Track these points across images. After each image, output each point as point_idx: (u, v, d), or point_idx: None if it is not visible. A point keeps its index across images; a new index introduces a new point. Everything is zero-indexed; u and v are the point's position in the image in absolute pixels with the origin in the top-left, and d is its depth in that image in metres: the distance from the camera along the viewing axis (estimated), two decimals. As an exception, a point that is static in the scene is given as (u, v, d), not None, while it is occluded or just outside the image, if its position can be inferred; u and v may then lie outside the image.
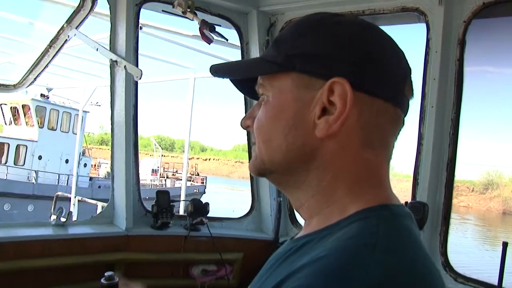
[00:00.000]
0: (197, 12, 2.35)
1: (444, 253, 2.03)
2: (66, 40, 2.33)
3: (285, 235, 2.63)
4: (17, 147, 16.49)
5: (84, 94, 11.61)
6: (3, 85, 2.53)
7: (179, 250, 2.35)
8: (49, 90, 16.24)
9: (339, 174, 0.63)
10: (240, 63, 0.84)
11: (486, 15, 1.98)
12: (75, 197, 9.10)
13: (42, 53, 2.37)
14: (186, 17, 2.31)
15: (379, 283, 0.48)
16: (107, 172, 21.45)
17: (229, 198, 28.01)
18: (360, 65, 0.62)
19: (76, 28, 2.30)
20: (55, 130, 17.43)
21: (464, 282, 1.96)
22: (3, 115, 17.71)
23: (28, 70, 2.42)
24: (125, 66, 2.25)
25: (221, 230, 2.55)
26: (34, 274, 2.02)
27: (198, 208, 2.41)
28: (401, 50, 0.67)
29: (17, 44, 7.57)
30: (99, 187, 17.41)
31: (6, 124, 17.85)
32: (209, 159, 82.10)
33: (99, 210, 6.69)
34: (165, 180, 23.62)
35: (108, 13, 2.32)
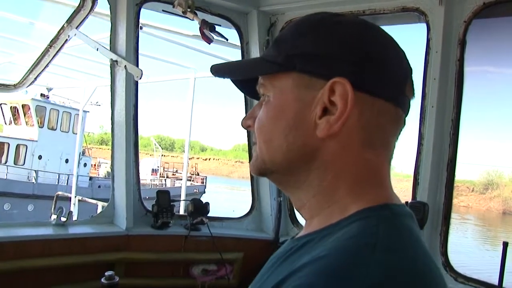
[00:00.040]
0: (197, 12, 2.35)
1: (445, 253, 2.04)
2: (67, 40, 2.33)
3: (286, 235, 2.63)
4: (17, 146, 16.49)
5: (85, 94, 11.62)
6: (3, 84, 2.53)
7: (180, 249, 2.35)
8: (49, 90, 16.24)
9: (340, 174, 0.63)
10: (240, 63, 0.84)
11: (486, 15, 1.98)
12: (75, 196, 9.10)
13: (42, 53, 2.38)
14: (186, 17, 2.31)
15: (379, 282, 0.48)
16: (107, 171, 21.45)
17: (229, 198, 28.02)
18: (361, 65, 0.61)
19: (76, 28, 2.30)
20: (55, 130, 17.43)
21: (465, 282, 1.96)
22: (3, 115, 17.71)
23: (29, 70, 2.42)
24: (125, 66, 2.25)
25: (222, 230, 2.55)
26: (35, 274, 2.02)
27: (199, 208, 2.41)
28: (402, 50, 0.67)
29: (17, 44, 7.57)
30: (99, 186, 17.41)
31: (6, 123, 17.85)
32: (209, 159, 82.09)
33: (99, 209, 6.69)
34: (165, 179, 23.63)
35: (109, 13, 2.32)
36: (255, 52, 2.57)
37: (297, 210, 0.72)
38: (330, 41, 0.63)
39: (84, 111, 12.90)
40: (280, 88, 0.66)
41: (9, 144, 16.32)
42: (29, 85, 2.48)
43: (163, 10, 2.43)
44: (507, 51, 2.55)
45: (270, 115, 0.67)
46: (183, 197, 7.49)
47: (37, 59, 2.39)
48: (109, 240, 2.24)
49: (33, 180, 16.00)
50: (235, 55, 3.06)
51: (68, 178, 16.61)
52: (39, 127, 16.79)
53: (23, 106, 16.73)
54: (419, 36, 2.18)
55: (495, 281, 1.86)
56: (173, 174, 26.37)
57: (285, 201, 2.68)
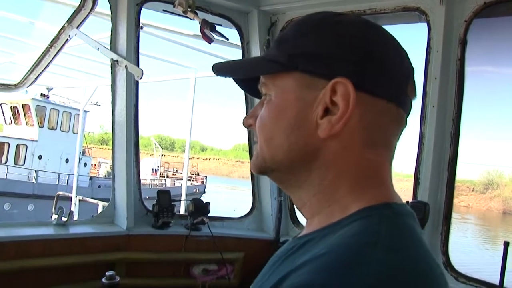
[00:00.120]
0: (197, 11, 2.35)
1: (445, 253, 2.04)
2: (67, 39, 2.33)
3: (286, 235, 2.63)
4: (17, 146, 16.50)
5: (85, 93, 11.62)
6: (4, 84, 2.54)
7: (180, 249, 2.35)
8: (49, 89, 16.25)
9: (341, 173, 0.63)
10: (242, 62, 0.84)
11: (487, 14, 1.98)
12: (76, 196, 9.11)
13: (43, 52, 2.38)
14: (187, 17, 2.31)
15: (380, 281, 0.48)
16: (107, 171, 21.46)
17: (229, 197, 28.02)
18: (362, 65, 0.61)
19: (77, 27, 2.30)
20: (55, 129, 17.44)
21: (466, 282, 1.96)
22: (3, 115, 17.71)
23: (29, 70, 2.43)
24: (126, 65, 2.25)
25: (222, 230, 2.55)
26: (35, 273, 2.02)
27: (199, 208, 2.41)
28: (404, 50, 0.67)
29: (18, 43, 7.57)
30: (99, 186, 17.42)
31: (6, 123, 17.86)
32: (209, 159, 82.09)
33: (100, 209, 6.70)
34: (165, 179, 23.64)
35: (109, 12, 2.32)
36: (255, 52, 2.57)
37: (298, 209, 0.72)
38: (332, 41, 0.63)
39: (84, 111, 12.89)
40: (282, 87, 0.66)
41: (9, 144, 16.33)
42: (29, 85, 2.48)
43: (163, 10, 2.43)
44: (508, 50, 2.54)
45: (272, 115, 0.67)
46: (183, 197, 7.50)
47: (37, 59, 2.39)
48: (110, 240, 2.24)
49: (33, 180, 16.01)
50: (236, 55, 3.06)
51: (68, 178, 16.62)
52: (39, 127, 16.80)
53: (23, 106, 16.74)
54: (420, 35, 2.18)
55: (495, 280, 1.86)
56: (173, 174, 26.37)
57: (286, 200, 2.68)
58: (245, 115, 0.74)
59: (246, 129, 0.78)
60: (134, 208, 2.36)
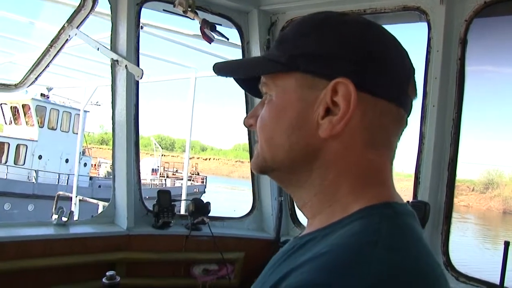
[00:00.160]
0: (198, 11, 2.35)
1: (446, 252, 2.03)
2: (67, 39, 2.33)
3: (286, 235, 2.63)
4: (17, 146, 16.50)
5: (85, 93, 11.62)
6: (4, 84, 2.54)
7: (180, 249, 2.35)
8: (49, 89, 16.25)
9: (341, 173, 0.63)
10: (243, 62, 0.84)
11: (487, 14, 1.98)
12: (76, 196, 9.11)
13: (43, 52, 2.38)
14: (187, 17, 2.30)
15: (381, 281, 0.48)
16: (107, 171, 21.46)
17: (229, 197, 28.02)
18: (363, 65, 0.61)
19: (77, 27, 2.30)
20: (55, 129, 17.44)
21: (466, 282, 1.96)
22: (3, 115, 17.71)
23: (29, 70, 2.42)
24: (126, 65, 2.25)
25: (223, 230, 2.55)
26: (35, 274, 2.02)
27: (200, 208, 2.41)
28: (405, 50, 0.67)
29: (18, 43, 7.57)
30: (99, 186, 17.42)
31: (6, 123, 17.86)
32: (209, 159, 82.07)
33: (100, 209, 6.70)
34: (165, 179, 23.63)
35: (109, 12, 2.32)
36: (255, 52, 2.57)
37: (299, 209, 0.72)
38: (333, 41, 0.63)
39: (84, 111, 12.89)
40: (283, 87, 0.66)
41: (9, 144, 16.33)
42: (30, 85, 2.48)
43: (163, 10, 2.43)
44: (508, 50, 2.54)
45: (273, 115, 0.67)
46: (184, 196, 7.50)
47: (37, 59, 2.39)
48: (110, 240, 2.23)
49: (33, 180, 16.01)
50: (236, 55, 3.06)
51: (68, 178, 16.62)
52: (39, 127, 16.80)
53: (23, 106, 16.74)
54: (420, 35, 2.18)
55: (495, 279, 1.86)
56: (173, 174, 26.37)
57: (286, 200, 2.68)
58: (246, 115, 0.74)
59: (246, 129, 0.78)
60: (135, 208, 2.36)
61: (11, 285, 1.97)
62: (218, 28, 2.37)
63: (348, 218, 0.60)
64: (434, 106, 2.04)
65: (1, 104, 17.49)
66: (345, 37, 0.63)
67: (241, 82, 0.79)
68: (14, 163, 16.23)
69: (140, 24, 2.36)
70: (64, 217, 2.20)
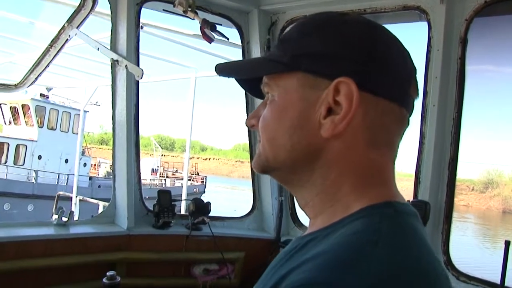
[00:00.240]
0: (198, 11, 2.35)
1: (446, 252, 2.03)
2: (67, 39, 2.33)
3: (287, 234, 2.63)
4: (17, 146, 16.50)
5: (85, 93, 11.62)
6: (4, 84, 2.53)
7: (181, 249, 2.35)
8: (48, 89, 16.24)
9: (343, 173, 0.63)
10: (245, 63, 0.84)
11: (487, 13, 1.98)
12: (76, 196, 9.10)
13: (43, 52, 2.37)
14: (187, 16, 2.30)
15: (381, 280, 0.48)
16: (107, 171, 21.46)
17: (229, 197, 28.03)
18: (366, 65, 0.61)
19: (77, 27, 2.30)
20: (55, 129, 17.44)
21: (467, 281, 1.96)
22: (3, 115, 17.71)
23: (29, 70, 2.42)
24: (126, 65, 2.25)
25: (223, 230, 2.55)
26: (36, 274, 2.02)
27: (200, 208, 2.41)
28: (407, 50, 0.67)
29: (18, 43, 7.58)
30: (99, 186, 17.42)
31: (5, 123, 17.86)
32: (209, 159, 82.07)
33: (100, 209, 6.70)
34: (165, 179, 23.63)
35: (109, 12, 2.32)
36: (256, 51, 2.57)
37: (301, 208, 0.72)
38: (335, 41, 0.63)
39: (84, 111, 12.89)
40: (285, 87, 0.66)
41: (9, 144, 16.33)
42: (30, 85, 2.48)
43: (163, 10, 2.43)
44: (509, 49, 2.54)
45: (275, 115, 0.67)
46: (184, 196, 7.49)
47: (37, 59, 2.39)
48: (111, 240, 2.23)
49: (33, 180, 16.01)
50: (236, 55, 3.06)
51: (68, 178, 16.62)
52: (39, 127, 16.80)
53: (22, 106, 16.74)
54: (420, 34, 2.18)
55: (496, 279, 1.86)
56: (173, 174, 26.37)
57: (287, 200, 2.68)
58: (246, 115, 0.74)
59: (246, 129, 0.78)
60: (135, 208, 2.35)
61: (11, 285, 1.97)
62: (218, 28, 2.36)
63: (349, 217, 0.60)
64: (435, 106, 2.04)
65: (0, 104, 17.48)
66: (347, 37, 0.63)
67: (242, 82, 0.79)
68: (14, 163, 16.23)
69: (140, 24, 2.36)
70: (65, 217, 2.20)
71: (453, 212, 2.07)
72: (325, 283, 0.48)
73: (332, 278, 0.48)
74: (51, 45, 2.35)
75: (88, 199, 8.80)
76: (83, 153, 17.85)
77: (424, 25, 2.08)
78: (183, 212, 4.41)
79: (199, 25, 2.33)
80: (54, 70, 8.78)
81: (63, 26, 2.30)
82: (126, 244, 2.25)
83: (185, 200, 5.74)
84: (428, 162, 2.06)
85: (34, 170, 16.19)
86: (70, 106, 17.87)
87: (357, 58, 0.61)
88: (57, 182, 16.38)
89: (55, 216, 2.20)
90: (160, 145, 36.77)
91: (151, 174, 23.49)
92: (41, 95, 16.57)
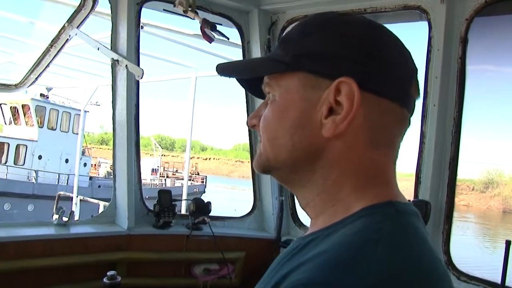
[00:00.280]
0: (198, 11, 2.35)
1: (447, 252, 2.03)
2: (67, 39, 2.32)
3: (287, 234, 2.63)
4: (17, 146, 16.51)
5: (86, 93, 11.62)
6: (4, 84, 2.53)
7: (181, 249, 2.35)
8: (48, 89, 16.25)
9: (344, 173, 0.63)
10: (246, 62, 0.84)
11: (488, 13, 1.98)
12: (77, 196, 9.11)
13: (43, 52, 2.37)
14: (187, 16, 2.30)
15: (381, 280, 0.48)
16: (107, 171, 21.47)
17: (230, 197, 28.02)
18: (367, 65, 0.61)
19: (77, 27, 2.30)
20: (55, 129, 17.45)
21: (467, 281, 1.96)
22: (3, 115, 17.72)
23: (30, 70, 2.42)
24: (126, 65, 2.25)
25: (223, 229, 2.55)
26: (36, 274, 2.02)
27: (200, 207, 2.41)
28: (408, 50, 0.67)
29: (18, 43, 7.58)
30: (99, 186, 17.43)
31: (6, 124, 17.87)
32: (209, 159, 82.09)
33: (101, 209, 6.70)
34: (165, 179, 23.64)
35: (109, 12, 2.32)
36: (256, 51, 2.57)
37: (302, 208, 0.72)
38: (337, 41, 0.63)
39: (84, 111, 12.90)
40: (286, 87, 0.66)
41: (9, 144, 16.34)
42: (30, 85, 2.48)
43: (164, 9, 2.43)
44: (509, 49, 2.54)
45: (276, 115, 0.67)
46: (184, 196, 7.49)
47: (38, 59, 2.39)
48: (111, 240, 2.23)
49: (33, 180, 16.02)
50: (236, 54, 3.06)
51: (68, 178, 16.63)
52: (39, 127, 16.81)
53: (23, 106, 16.75)
54: (421, 34, 2.18)
55: (496, 278, 1.86)
56: (173, 174, 26.38)
57: (287, 200, 2.68)
58: (246, 114, 0.74)
59: (246, 129, 0.78)
60: (135, 208, 2.35)
61: (11, 285, 1.97)
62: (219, 27, 2.36)
63: (350, 217, 0.60)
64: (435, 106, 2.03)
65: (0, 104, 17.49)
66: (349, 37, 0.63)
67: (243, 82, 0.79)
68: (14, 163, 16.24)
69: (141, 24, 2.36)
70: (65, 217, 2.20)
71: (453, 212, 2.07)
72: (325, 283, 0.48)
73: (332, 278, 0.48)
74: (51, 45, 2.35)
75: (88, 199, 8.81)
76: (83, 153, 17.86)
77: (424, 25, 2.08)
78: (183, 212, 4.41)
79: (200, 25, 2.33)
80: (54, 70, 8.79)
81: (63, 26, 2.30)
82: (126, 244, 2.25)
83: (185, 200, 5.75)
84: (429, 162, 2.06)
85: (34, 170, 16.20)
86: (70, 106, 17.88)
87: (358, 58, 0.61)
88: (57, 182, 16.38)
89: (55, 216, 2.20)
90: (160, 145, 36.78)
91: (151, 174, 23.49)
92: (41, 95, 16.58)
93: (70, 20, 2.29)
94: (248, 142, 2.69)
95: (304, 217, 2.49)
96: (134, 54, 2.30)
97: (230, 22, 2.57)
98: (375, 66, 0.62)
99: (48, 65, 2.39)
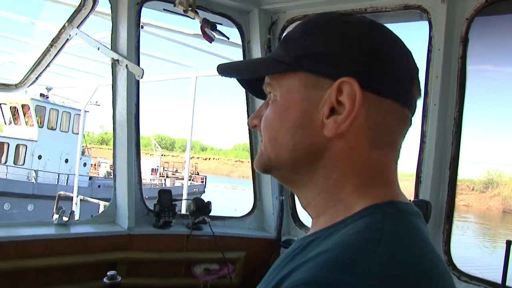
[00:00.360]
0: (198, 10, 2.35)
1: (447, 252, 2.03)
2: (68, 39, 2.32)
3: (288, 234, 2.63)
4: (17, 146, 16.51)
5: (86, 93, 11.62)
6: (4, 84, 2.53)
7: (181, 249, 2.35)
8: (48, 89, 16.25)
9: (346, 173, 0.63)
10: (247, 63, 0.83)
11: (489, 12, 1.98)
12: (77, 196, 9.11)
13: (43, 52, 2.37)
14: (188, 16, 2.30)
15: (381, 280, 0.48)
16: (107, 171, 21.48)
17: (229, 197, 28.03)
18: (368, 65, 0.61)
19: (77, 27, 2.30)
20: (55, 129, 17.45)
21: (468, 281, 1.96)
22: (3, 115, 17.72)
23: (30, 70, 2.42)
24: (126, 65, 2.25)
25: (223, 229, 2.55)
26: (36, 274, 2.02)
27: (200, 207, 2.41)
28: (409, 50, 0.67)
29: (18, 43, 7.58)
30: (99, 186, 17.43)
31: (5, 123, 17.87)
32: (209, 159, 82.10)
33: (101, 209, 6.70)
34: (165, 179, 23.64)
35: (110, 12, 2.32)
36: (256, 51, 2.57)
37: (303, 208, 0.71)
38: (338, 41, 0.63)
39: (84, 111, 12.90)
40: (287, 87, 0.66)
41: (9, 144, 16.34)
42: (30, 85, 2.47)
43: (164, 9, 2.43)
44: (509, 49, 2.54)
45: (277, 115, 0.67)
46: (185, 196, 7.49)
47: (38, 58, 2.39)
48: (111, 240, 2.23)
49: (33, 180, 16.02)
50: (237, 54, 3.06)
51: (68, 178, 16.63)
52: (39, 127, 16.81)
53: (22, 106, 16.75)
54: (421, 34, 2.18)
55: (496, 278, 1.86)
56: (173, 174, 26.38)
57: (287, 200, 2.68)
58: (247, 115, 0.74)
59: (247, 129, 0.78)
60: (135, 207, 2.35)
61: (11, 285, 1.97)
62: (219, 27, 2.36)
63: (351, 217, 0.60)
64: (435, 105, 2.03)
65: (0, 104, 17.49)
66: (350, 37, 0.63)
67: (244, 82, 0.79)
68: (14, 163, 16.24)
69: (141, 24, 2.36)
70: (65, 216, 2.20)
71: (454, 212, 2.06)
72: (325, 282, 0.48)
73: (331, 278, 0.48)
74: (51, 44, 2.35)
75: (88, 198, 8.80)
76: (83, 153, 17.86)
77: (425, 25, 2.08)
78: (183, 211, 4.41)
79: (200, 25, 2.33)
80: (55, 70, 8.78)
81: (64, 25, 2.30)
82: (126, 244, 2.25)
83: (185, 199, 5.75)
84: (429, 162, 2.06)
85: (34, 170, 16.20)
86: (70, 106, 17.88)
87: (359, 58, 0.61)
88: (57, 182, 16.39)
89: (55, 216, 2.19)
90: (160, 145, 36.78)
91: (151, 174, 23.49)
92: (41, 95, 16.59)
93: (70, 20, 2.29)
94: (248, 142, 2.70)
95: (304, 217, 2.49)
96: (134, 54, 2.30)
97: (230, 21, 2.57)
98: (376, 66, 0.62)
99: (48, 65, 2.39)
